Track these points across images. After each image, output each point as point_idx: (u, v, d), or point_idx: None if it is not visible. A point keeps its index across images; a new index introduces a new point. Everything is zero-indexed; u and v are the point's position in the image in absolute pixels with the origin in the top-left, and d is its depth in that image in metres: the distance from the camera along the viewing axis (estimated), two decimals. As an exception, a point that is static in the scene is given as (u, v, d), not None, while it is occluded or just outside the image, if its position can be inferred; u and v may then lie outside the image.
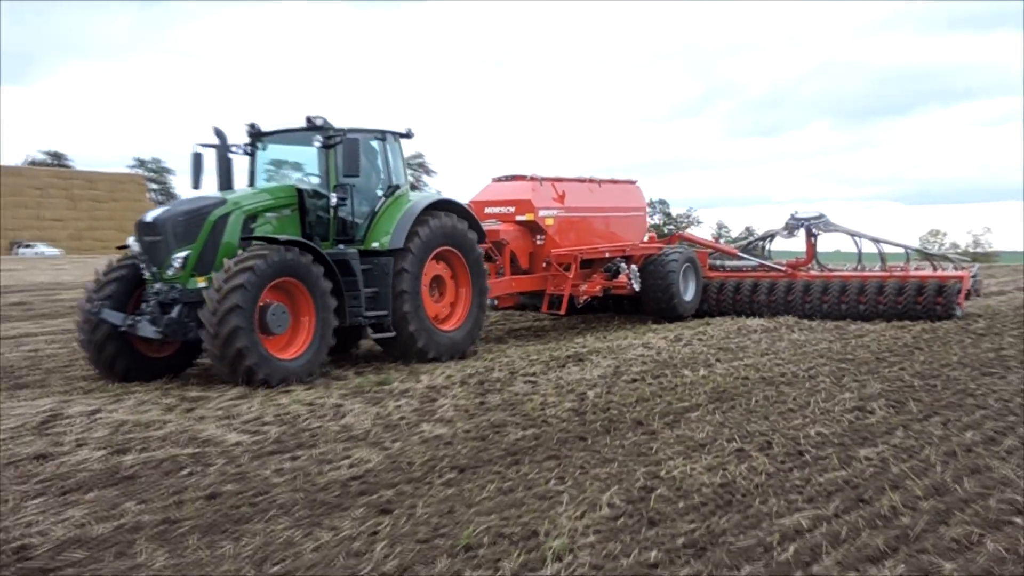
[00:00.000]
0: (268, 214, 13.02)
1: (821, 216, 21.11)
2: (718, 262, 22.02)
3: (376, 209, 14.05)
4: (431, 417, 10.40)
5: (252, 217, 12.82)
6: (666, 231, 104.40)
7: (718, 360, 14.22)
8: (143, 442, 9.21)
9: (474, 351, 15.24)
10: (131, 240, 13.04)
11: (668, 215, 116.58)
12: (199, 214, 12.31)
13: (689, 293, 19.87)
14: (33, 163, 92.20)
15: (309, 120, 13.57)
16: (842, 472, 7.95)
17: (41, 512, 7.07)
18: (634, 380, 12.59)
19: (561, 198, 18.77)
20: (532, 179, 18.64)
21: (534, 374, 13.11)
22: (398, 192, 14.36)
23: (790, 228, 21.63)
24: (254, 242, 12.42)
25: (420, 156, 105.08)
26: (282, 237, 12.34)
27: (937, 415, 10.29)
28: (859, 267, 21.16)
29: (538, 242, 18.24)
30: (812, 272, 20.72)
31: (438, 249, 14.21)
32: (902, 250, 21.54)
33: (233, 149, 14.34)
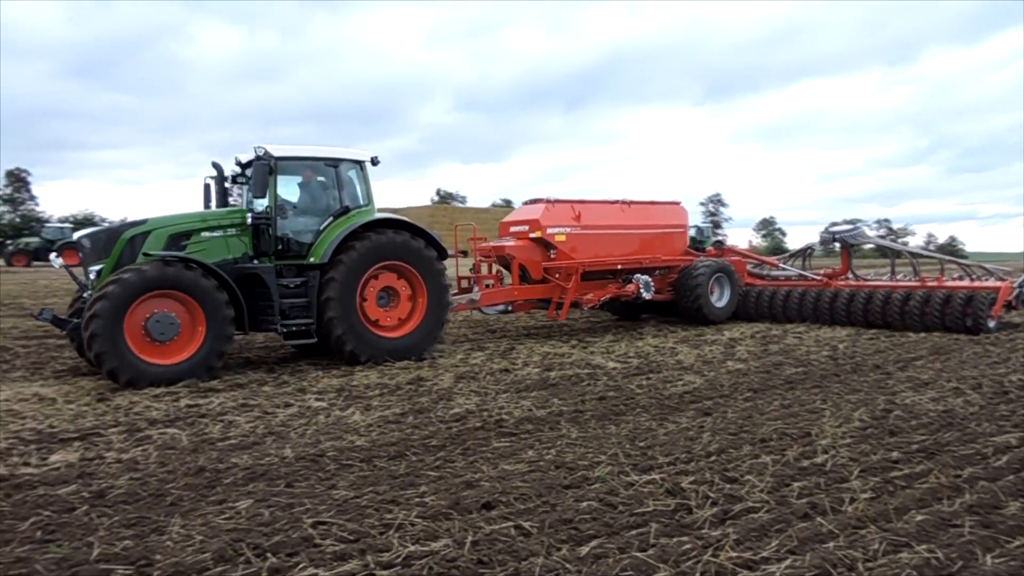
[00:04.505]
0: (207, 233, 9.48)
1: (856, 228, 15.32)
2: (761, 271, 15.84)
3: (322, 228, 9.96)
4: (732, 357, 10.05)
5: (185, 235, 9.35)
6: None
7: (935, 326, 12.54)
8: (560, 365, 9.52)
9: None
10: (52, 256, 10.77)
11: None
12: (116, 233, 9.21)
13: (723, 300, 14.25)
14: (494, 204, 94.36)
15: (255, 150, 9.79)
16: (1042, 408, 6.79)
17: (507, 402, 7.45)
18: (871, 338, 11.45)
19: (577, 217, 13.46)
20: (545, 201, 13.61)
21: (800, 332, 12.24)
22: (350, 213, 10.11)
23: (824, 241, 15.29)
24: (148, 257, 8.97)
25: (718, 195, 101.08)
26: (163, 253, 8.86)
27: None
28: (892, 277, 14.42)
29: (551, 256, 13.26)
30: (849, 281, 14.48)
31: (385, 262, 9.98)
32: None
33: (228, 179, 10.76)
